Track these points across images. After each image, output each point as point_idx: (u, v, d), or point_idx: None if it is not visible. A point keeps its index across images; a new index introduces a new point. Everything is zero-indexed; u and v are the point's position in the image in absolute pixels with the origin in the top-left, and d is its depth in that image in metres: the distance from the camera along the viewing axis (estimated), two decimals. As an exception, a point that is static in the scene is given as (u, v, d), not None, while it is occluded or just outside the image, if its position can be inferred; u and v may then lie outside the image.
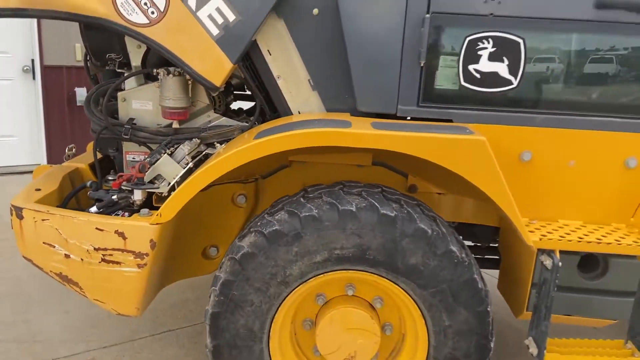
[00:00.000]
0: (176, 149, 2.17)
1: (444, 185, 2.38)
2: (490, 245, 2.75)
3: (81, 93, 5.63)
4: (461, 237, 2.32)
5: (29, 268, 3.24)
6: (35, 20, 5.33)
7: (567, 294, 2.21)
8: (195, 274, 2.59)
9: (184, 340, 2.87)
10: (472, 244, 2.83)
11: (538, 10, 1.97)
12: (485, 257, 2.77)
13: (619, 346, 2.06)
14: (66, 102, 5.65)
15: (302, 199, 1.98)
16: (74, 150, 2.92)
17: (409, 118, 2.12)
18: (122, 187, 2.10)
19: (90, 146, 3.08)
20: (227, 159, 1.89)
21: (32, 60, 5.51)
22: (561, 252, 2.06)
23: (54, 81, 5.55)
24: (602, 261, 2.19)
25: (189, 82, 2.24)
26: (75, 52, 5.55)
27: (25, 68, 5.50)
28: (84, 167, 2.62)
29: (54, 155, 5.70)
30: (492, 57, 2.01)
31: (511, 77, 2.03)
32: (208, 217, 2.48)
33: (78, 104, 5.64)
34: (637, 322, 2.02)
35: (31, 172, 5.04)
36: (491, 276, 2.67)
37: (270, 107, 2.28)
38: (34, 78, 5.56)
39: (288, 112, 2.21)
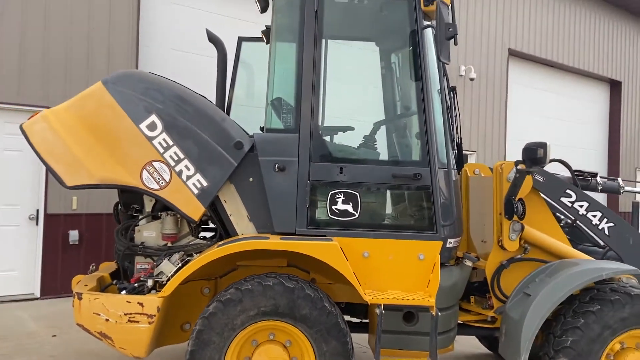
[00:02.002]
0: (171, 257, 3.77)
1: (327, 275, 4.03)
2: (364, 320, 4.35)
3: (73, 234, 7.14)
4: (349, 314, 3.90)
5: None
6: (44, 178, 6.98)
7: (397, 335, 3.80)
8: (175, 342, 4.03)
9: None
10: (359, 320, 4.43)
11: (365, 178, 3.82)
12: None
13: (425, 355, 3.62)
14: (61, 242, 7.12)
15: (243, 281, 3.58)
16: (93, 267, 4.43)
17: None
18: (141, 279, 3.65)
19: (103, 265, 4.61)
20: (201, 258, 3.51)
21: (37, 210, 7.07)
22: (391, 307, 3.69)
23: (53, 226, 7.07)
24: (415, 314, 3.82)
25: (178, 219, 3.92)
26: (72, 202, 7.17)
27: (31, 216, 7.03)
28: (106, 274, 4.13)
29: (46, 285, 7.02)
30: (344, 202, 3.80)
31: (354, 212, 3.80)
32: (185, 302, 4.00)
33: (70, 243, 7.12)
34: (432, 345, 3.59)
35: (26, 300, 6.53)
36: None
37: (225, 231, 3.95)
38: (37, 224, 7.07)
39: (235, 234, 3.87)
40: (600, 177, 4.56)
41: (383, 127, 4.29)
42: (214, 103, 4.55)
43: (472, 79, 12.00)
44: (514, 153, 13.27)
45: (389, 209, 3.91)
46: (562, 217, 4.66)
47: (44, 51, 7.07)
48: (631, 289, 3.66)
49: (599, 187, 4.51)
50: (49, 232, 7.05)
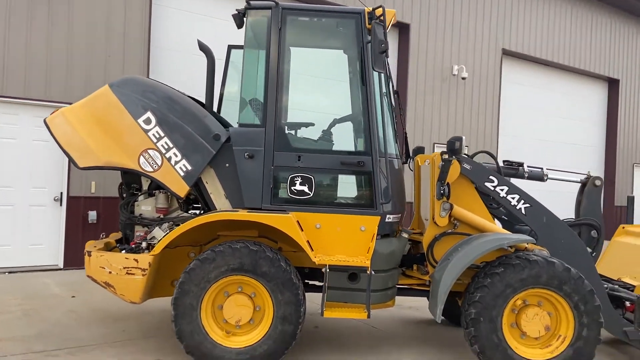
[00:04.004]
0: (161, 225, 4.72)
1: (291, 244, 4.93)
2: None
3: (92, 214, 8.18)
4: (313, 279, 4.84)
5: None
6: (67, 165, 8.03)
7: (343, 291, 4.68)
8: (167, 295, 4.99)
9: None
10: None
11: (319, 165, 4.69)
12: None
13: (361, 310, 4.49)
14: (81, 221, 8.18)
15: (218, 245, 4.49)
16: (104, 235, 5.41)
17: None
18: (137, 242, 4.62)
19: (112, 235, 5.60)
20: (182, 226, 4.44)
21: (61, 193, 8.13)
22: (336, 268, 4.56)
23: (75, 207, 8.13)
24: (358, 274, 4.69)
25: (169, 196, 4.86)
26: (91, 186, 8.21)
27: (55, 198, 8.10)
28: (112, 240, 5.11)
29: (68, 257, 8.09)
30: (301, 184, 4.69)
31: (309, 192, 4.69)
32: (175, 263, 4.95)
33: (89, 222, 8.17)
34: (367, 298, 4.46)
35: (51, 270, 7.51)
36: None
37: (206, 207, 4.88)
38: (61, 205, 8.14)
39: (215, 209, 4.79)
40: (527, 166, 5.36)
41: (338, 122, 5.16)
42: (205, 101, 5.48)
43: (463, 78, 12.73)
44: (507, 149, 13.98)
45: (338, 190, 4.79)
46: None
47: (68, 54, 8.10)
48: (532, 256, 4.46)
49: (526, 175, 5.31)
50: (71, 212, 8.12)
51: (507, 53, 13.93)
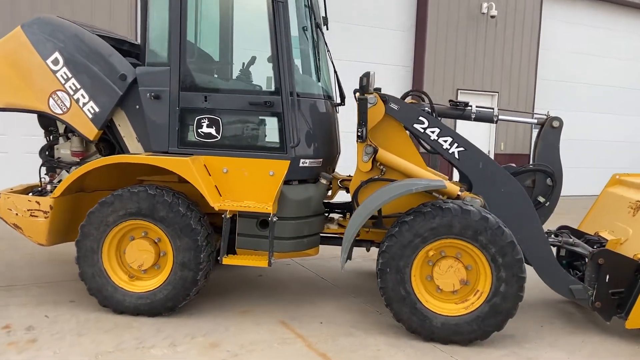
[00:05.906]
0: (70, 169, 4.65)
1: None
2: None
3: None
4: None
5: None
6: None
7: (253, 239, 4.43)
8: (89, 239, 4.98)
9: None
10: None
11: (226, 105, 4.39)
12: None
13: (265, 258, 4.24)
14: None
15: (119, 189, 4.37)
16: (45, 178, 5.47)
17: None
18: (46, 185, 4.60)
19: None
20: (77, 170, 4.34)
21: (53, 141, 8.38)
22: (247, 215, 4.32)
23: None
24: (269, 221, 4.41)
25: (84, 139, 4.78)
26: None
27: (48, 146, 8.36)
28: (39, 183, 5.14)
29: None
30: (208, 126, 4.41)
31: (217, 135, 4.41)
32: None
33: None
34: (270, 245, 4.19)
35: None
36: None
37: (120, 150, 4.75)
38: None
39: (128, 152, 4.66)
40: (476, 107, 4.75)
41: (257, 61, 4.77)
42: (139, 40, 5.24)
43: (493, 17, 11.63)
44: (547, 95, 12.79)
45: (246, 132, 4.48)
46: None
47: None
48: (448, 203, 3.97)
49: (473, 116, 4.71)
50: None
51: (549, -13, 12.54)
